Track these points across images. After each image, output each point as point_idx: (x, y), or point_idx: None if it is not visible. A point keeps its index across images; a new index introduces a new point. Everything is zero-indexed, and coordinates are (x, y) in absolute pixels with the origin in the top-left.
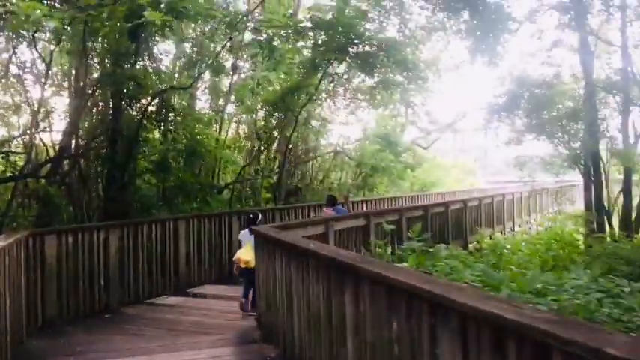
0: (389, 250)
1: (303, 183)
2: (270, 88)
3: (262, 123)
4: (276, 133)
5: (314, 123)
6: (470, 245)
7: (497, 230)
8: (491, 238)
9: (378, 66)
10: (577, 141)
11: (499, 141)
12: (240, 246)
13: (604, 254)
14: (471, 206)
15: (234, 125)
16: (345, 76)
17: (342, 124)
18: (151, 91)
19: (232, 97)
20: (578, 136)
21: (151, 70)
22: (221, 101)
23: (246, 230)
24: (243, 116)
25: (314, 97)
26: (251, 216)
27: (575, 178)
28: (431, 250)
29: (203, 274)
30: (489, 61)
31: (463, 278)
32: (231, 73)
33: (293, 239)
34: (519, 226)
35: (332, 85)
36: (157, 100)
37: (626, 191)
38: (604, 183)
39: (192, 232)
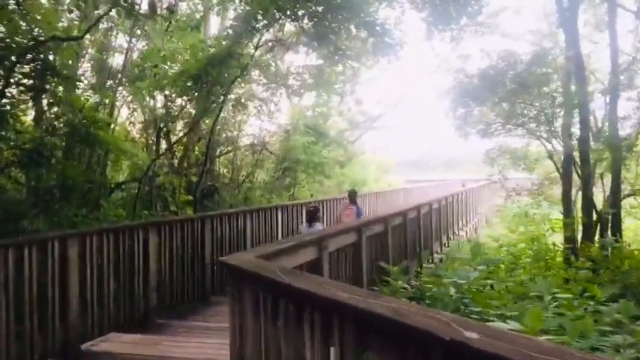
0: (452, 290)
1: (219, 182)
2: (173, 67)
3: (162, 108)
4: (187, 119)
5: (238, 105)
6: (435, 256)
7: (454, 235)
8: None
9: (335, 27)
10: (560, 129)
11: (470, 131)
12: None
13: None
14: (435, 208)
15: (125, 110)
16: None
17: (263, 114)
18: (20, 45)
19: (132, 72)
20: (560, 123)
21: (17, 13)
22: (109, 82)
23: (305, 224)
24: (144, 98)
25: (246, 70)
26: (311, 209)
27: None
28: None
29: (106, 319)
30: (451, 35)
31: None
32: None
33: (367, 305)
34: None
35: (268, 55)
36: (29, 59)
37: (615, 188)
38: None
39: (91, 254)
